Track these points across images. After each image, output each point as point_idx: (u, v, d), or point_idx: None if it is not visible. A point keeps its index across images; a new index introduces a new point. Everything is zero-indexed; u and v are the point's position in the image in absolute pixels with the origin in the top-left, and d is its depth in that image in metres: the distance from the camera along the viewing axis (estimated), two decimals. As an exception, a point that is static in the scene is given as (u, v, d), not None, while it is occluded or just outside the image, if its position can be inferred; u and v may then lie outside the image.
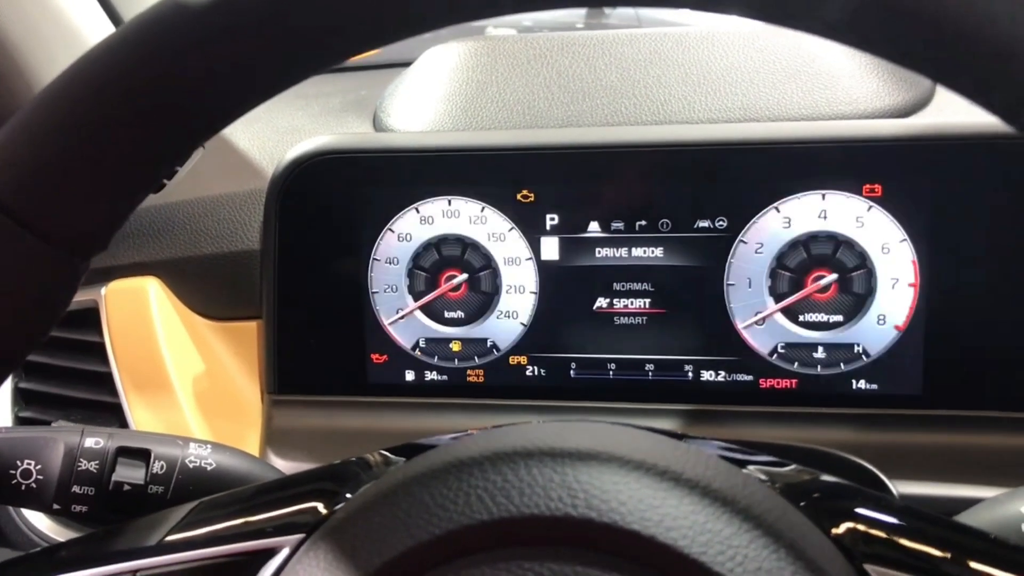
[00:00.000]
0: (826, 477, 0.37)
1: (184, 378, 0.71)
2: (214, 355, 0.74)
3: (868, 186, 0.64)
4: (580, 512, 0.30)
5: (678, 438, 0.34)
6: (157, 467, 0.48)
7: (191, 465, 0.49)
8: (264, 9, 0.32)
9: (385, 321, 0.71)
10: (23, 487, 0.47)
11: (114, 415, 0.71)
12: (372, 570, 0.30)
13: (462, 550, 0.30)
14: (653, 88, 0.74)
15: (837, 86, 0.73)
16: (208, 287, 0.74)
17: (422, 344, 0.71)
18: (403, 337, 0.71)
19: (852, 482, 0.38)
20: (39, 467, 0.47)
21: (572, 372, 0.69)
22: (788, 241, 0.65)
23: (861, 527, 0.33)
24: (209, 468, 0.49)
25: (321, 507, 0.36)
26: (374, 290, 0.70)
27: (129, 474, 0.48)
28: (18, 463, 0.47)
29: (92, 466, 0.47)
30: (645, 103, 0.73)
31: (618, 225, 0.67)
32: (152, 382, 0.71)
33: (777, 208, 0.65)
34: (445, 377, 0.71)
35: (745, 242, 0.66)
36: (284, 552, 0.35)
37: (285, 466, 0.67)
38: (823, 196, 0.65)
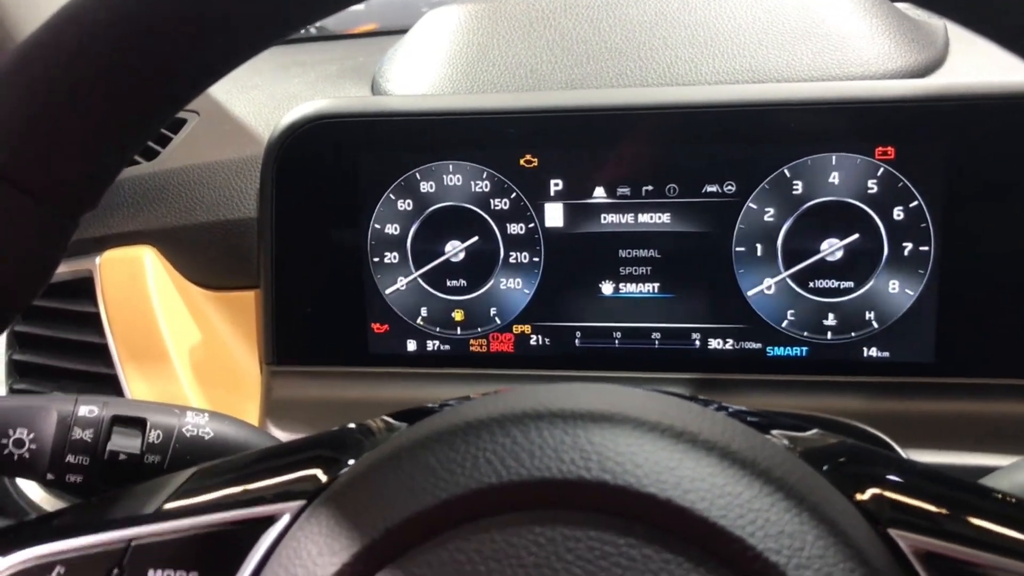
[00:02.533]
0: (848, 441, 0.36)
1: (181, 349, 0.70)
2: (211, 325, 0.73)
3: (880, 148, 0.62)
4: (594, 475, 0.29)
5: (691, 401, 0.33)
6: (153, 436, 0.47)
7: (188, 434, 0.47)
8: None
9: (385, 290, 0.69)
10: (16, 456, 0.46)
11: (110, 386, 0.70)
12: (376, 536, 0.29)
13: (470, 515, 0.29)
14: (659, 49, 0.72)
15: (847, 47, 0.71)
16: (204, 256, 0.73)
17: (424, 313, 0.69)
18: (404, 306, 0.69)
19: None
20: (32, 436, 0.46)
21: (577, 341, 0.68)
22: (798, 205, 0.64)
23: (885, 492, 0.32)
24: (207, 437, 0.48)
25: (321, 473, 0.34)
26: (374, 258, 0.69)
27: (125, 443, 0.46)
28: (10, 432, 0.46)
29: (87, 435, 0.46)
30: (651, 65, 0.72)
31: (624, 190, 0.65)
32: (148, 353, 0.69)
33: (786, 171, 0.63)
34: (448, 347, 0.69)
35: (753, 207, 0.64)
36: (284, 519, 0.33)
37: (285, 437, 0.66)
38: (834, 159, 0.63)
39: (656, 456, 0.29)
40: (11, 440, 0.46)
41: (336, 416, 0.69)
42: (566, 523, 0.29)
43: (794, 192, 0.64)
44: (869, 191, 0.63)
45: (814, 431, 0.37)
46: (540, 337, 0.68)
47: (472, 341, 0.69)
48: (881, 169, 0.62)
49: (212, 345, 0.72)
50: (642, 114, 0.64)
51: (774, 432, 0.34)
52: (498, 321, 0.69)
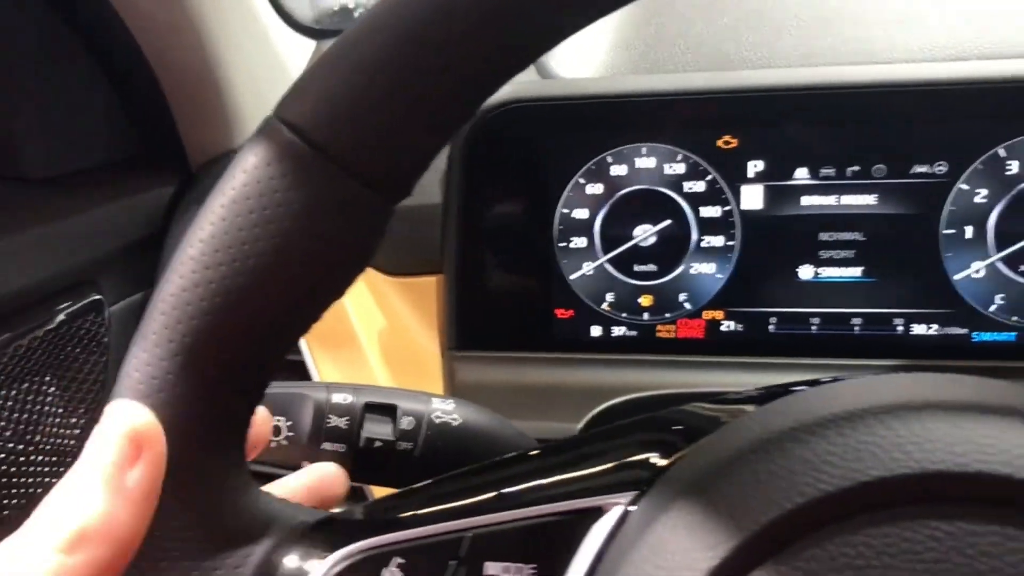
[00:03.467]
0: None
1: (368, 334, 0.70)
2: (393, 311, 0.73)
3: (1104, 126, 0.60)
4: (993, 468, 0.27)
5: None
6: (405, 423, 0.47)
7: (437, 420, 0.47)
8: None
9: (571, 275, 0.68)
10: (274, 444, 0.46)
11: (297, 373, 0.70)
12: (757, 529, 0.28)
13: (856, 509, 0.28)
14: (849, 26, 0.70)
15: (1050, 21, 0.68)
16: (387, 242, 0.72)
17: (610, 299, 0.68)
18: (590, 292, 0.68)
19: None
20: (289, 423, 0.46)
21: (771, 327, 0.66)
22: (1012, 186, 0.61)
23: None
24: (454, 423, 0.48)
25: (658, 458, 0.33)
26: (560, 243, 0.68)
27: (378, 430, 0.47)
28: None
29: (342, 422, 0.46)
30: (842, 43, 0.69)
31: (828, 171, 0.63)
32: (337, 339, 0.70)
33: (1001, 151, 0.61)
34: (634, 332, 0.68)
35: (965, 188, 0.62)
36: (616, 510, 0.33)
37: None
38: (1052, 137, 0.61)
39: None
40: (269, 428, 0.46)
41: (522, 400, 0.69)
42: (966, 517, 0.27)
43: (1008, 172, 0.61)
44: (1089, 170, 0.60)
45: None
46: (732, 323, 0.67)
47: (660, 327, 0.68)
48: (1104, 147, 0.60)
49: (396, 330, 0.72)
50: (849, 93, 0.62)
51: None
52: (688, 306, 0.67)
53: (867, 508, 0.28)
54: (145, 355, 0.32)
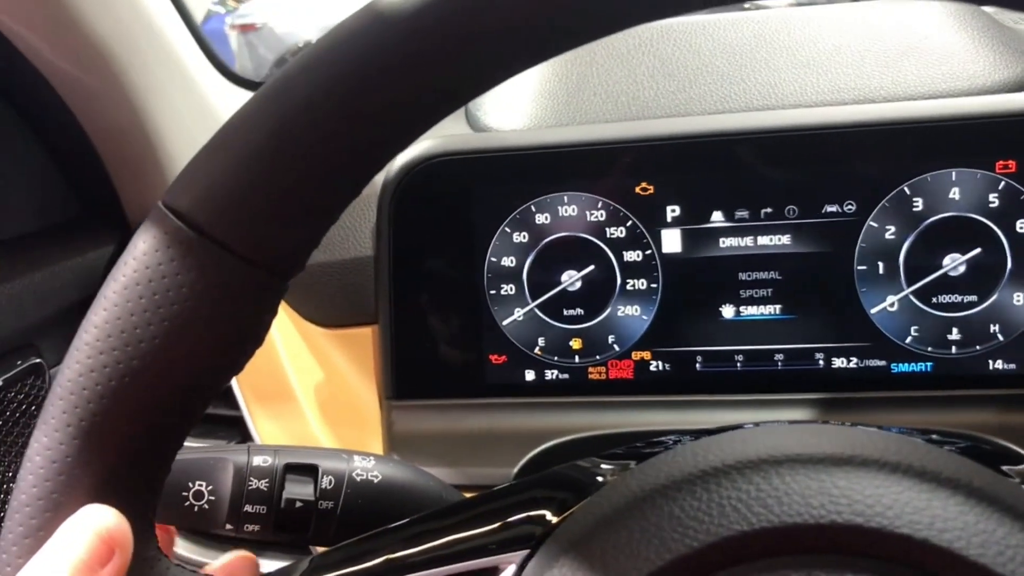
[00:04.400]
0: None
1: (305, 388, 0.71)
2: (331, 363, 0.74)
3: (1001, 162, 0.62)
4: (845, 518, 0.29)
5: (918, 438, 0.33)
6: (326, 482, 0.48)
7: (358, 478, 0.48)
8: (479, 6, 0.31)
9: (502, 321, 0.70)
10: (196, 508, 0.47)
11: (236, 428, 0.71)
12: (630, 586, 0.30)
13: (722, 563, 0.30)
14: (761, 72, 0.73)
15: (951, 61, 0.71)
16: (322, 295, 0.74)
17: (541, 343, 0.70)
18: (522, 337, 0.70)
19: None
20: (210, 488, 0.47)
21: (698, 366, 0.68)
22: (919, 222, 0.64)
23: None
24: (375, 480, 0.49)
25: (549, 516, 0.35)
26: (490, 291, 0.69)
27: (299, 491, 0.47)
28: (190, 485, 0.47)
29: (262, 484, 0.47)
30: (755, 87, 0.72)
31: (742, 213, 0.66)
32: (274, 393, 0.71)
33: (906, 189, 0.64)
34: (566, 375, 0.70)
35: (874, 225, 0.64)
36: (510, 570, 0.34)
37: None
38: (954, 175, 0.63)
39: (904, 496, 0.29)
40: (191, 493, 0.47)
41: (459, 448, 0.70)
42: (823, 567, 0.29)
43: (915, 209, 0.64)
44: (991, 205, 0.63)
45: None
46: (660, 363, 0.69)
47: (591, 369, 0.70)
48: (1002, 183, 0.62)
49: (334, 382, 0.73)
50: (759, 138, 0.64)
51: (1003, 468, 0.35)
52: (616, 348, 0.69)
53: (732, 561, 0.30)
54: (46, 439, 0.33)
